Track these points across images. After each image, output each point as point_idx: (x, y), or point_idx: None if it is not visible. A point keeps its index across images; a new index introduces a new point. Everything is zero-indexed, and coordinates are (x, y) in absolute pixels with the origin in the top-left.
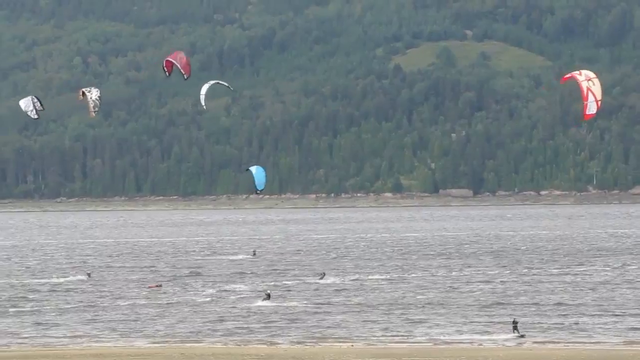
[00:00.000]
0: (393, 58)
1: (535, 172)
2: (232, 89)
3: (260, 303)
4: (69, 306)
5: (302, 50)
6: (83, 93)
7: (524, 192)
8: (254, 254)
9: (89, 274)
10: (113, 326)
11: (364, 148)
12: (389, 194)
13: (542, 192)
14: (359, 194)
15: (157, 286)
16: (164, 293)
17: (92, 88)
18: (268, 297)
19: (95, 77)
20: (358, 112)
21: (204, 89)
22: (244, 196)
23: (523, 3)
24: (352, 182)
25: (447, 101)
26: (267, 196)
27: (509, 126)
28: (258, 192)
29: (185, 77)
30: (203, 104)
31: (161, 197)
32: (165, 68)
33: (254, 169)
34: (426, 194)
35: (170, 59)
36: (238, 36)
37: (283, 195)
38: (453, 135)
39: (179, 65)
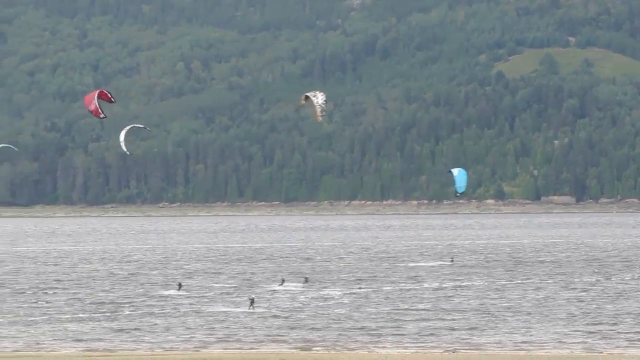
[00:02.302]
0: (496, 65)
1: (638, 179)
2: (148, 129)
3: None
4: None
5: (405, 56)
6: (306, 97)
7: (627, 200)
8: (452, 261)
9: (305, 278)
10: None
11: (466, 154)
12: (491, 201)
13: None
14: (460, 201)
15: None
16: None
17: (318, 92)
18: (252, 302)
19: (198, 82)
20: (460, 118)
21: (122, 135)
22: (346, 202)
23: (626, 10)
24: (454, 188)
25: (550, 108)
26: (369, 202)
27: (612, 133)
28: (458, 195)
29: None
30: (124, 149)
31: (263, 203)
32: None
33: (455, 171)
34: (528, 201)
35: (96, 97)
36: (340, 42)
37: (385, 202)
38: (555, 142)
39: (97, 103)
